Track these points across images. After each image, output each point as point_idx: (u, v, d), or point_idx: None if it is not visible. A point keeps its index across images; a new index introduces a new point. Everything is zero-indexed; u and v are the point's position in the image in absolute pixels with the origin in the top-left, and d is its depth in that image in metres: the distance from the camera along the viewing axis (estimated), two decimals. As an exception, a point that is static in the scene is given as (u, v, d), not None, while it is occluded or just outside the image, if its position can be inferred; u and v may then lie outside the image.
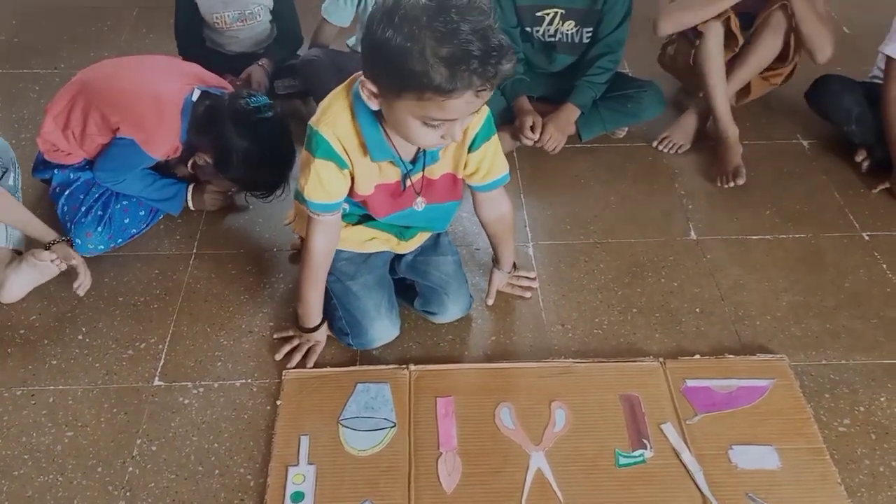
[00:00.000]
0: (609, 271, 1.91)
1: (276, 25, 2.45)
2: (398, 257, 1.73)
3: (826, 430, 1.52)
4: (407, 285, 1.77)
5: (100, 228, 1.89)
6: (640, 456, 1.46)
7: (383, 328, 1.65)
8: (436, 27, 1.13)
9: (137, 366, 1.66)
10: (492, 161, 1.53)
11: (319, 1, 2.33)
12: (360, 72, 1.29)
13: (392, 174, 1.48)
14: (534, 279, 1.86)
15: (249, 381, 1.63)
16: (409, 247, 1.70)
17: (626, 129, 2.36)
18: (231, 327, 1.75)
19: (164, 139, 1.84)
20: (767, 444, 1.47)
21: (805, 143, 2.36)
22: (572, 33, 2.23)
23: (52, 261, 1.75)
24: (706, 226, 2.05)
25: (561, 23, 2.21)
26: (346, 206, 1.54)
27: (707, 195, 2.16)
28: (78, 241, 1.87)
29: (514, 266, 1.82)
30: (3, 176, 1.86)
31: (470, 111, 1.25)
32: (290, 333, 1.70)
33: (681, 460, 1.45)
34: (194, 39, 2.42)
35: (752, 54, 2.28)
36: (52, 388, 1.61)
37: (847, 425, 1.54)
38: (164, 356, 1.68)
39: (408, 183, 1.49)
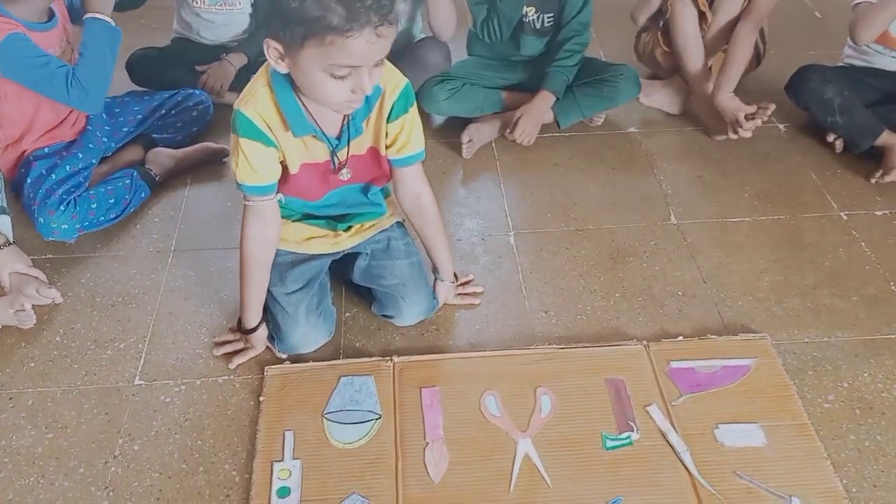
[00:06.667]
0: (591, 257, 1.91)
1: (256, 19, 2.39)
2: (352, 264, 1.68)
3: (811, 407, 1.52)
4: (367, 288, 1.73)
5: (62, 207, 1.86)
6: (626, 438, 1.46)
7: (303, 335, 1.61)
8: None
9: (117, 366, 1.64)
10: (408, 135, 1.50)
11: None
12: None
13: (320, 152, 1.47)
14: (479, 286, 1.81)
15: (232, 377, 1.61)
16: (348, 241, 1.65)
17: (604, 115, 2.36)
18: (212, 324, 1.73)
19: None
20: (752, 422, 1.48)
21: (781, 126, 2.37)
22: (533, 19, 2.24)
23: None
24: (686, 210, 2.05)
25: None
26: (282, 197, 1.53)
27: (686, 180, 2.17)
28: (41, 219, 1.85)
29: (457, 276, 1.76)
30: None
31: (374, 55, 1.25)
32: (229, 337, 1.67)
33: (667, 441, 1.45)
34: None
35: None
36: (30, 390, 1.59)
37: (831, 401, 1.54)
38: (144, 355, 1.66)
39: (336, 160, 1.48)
